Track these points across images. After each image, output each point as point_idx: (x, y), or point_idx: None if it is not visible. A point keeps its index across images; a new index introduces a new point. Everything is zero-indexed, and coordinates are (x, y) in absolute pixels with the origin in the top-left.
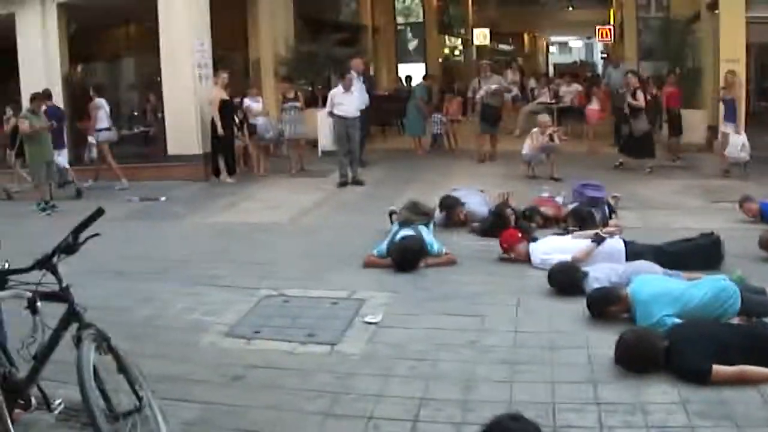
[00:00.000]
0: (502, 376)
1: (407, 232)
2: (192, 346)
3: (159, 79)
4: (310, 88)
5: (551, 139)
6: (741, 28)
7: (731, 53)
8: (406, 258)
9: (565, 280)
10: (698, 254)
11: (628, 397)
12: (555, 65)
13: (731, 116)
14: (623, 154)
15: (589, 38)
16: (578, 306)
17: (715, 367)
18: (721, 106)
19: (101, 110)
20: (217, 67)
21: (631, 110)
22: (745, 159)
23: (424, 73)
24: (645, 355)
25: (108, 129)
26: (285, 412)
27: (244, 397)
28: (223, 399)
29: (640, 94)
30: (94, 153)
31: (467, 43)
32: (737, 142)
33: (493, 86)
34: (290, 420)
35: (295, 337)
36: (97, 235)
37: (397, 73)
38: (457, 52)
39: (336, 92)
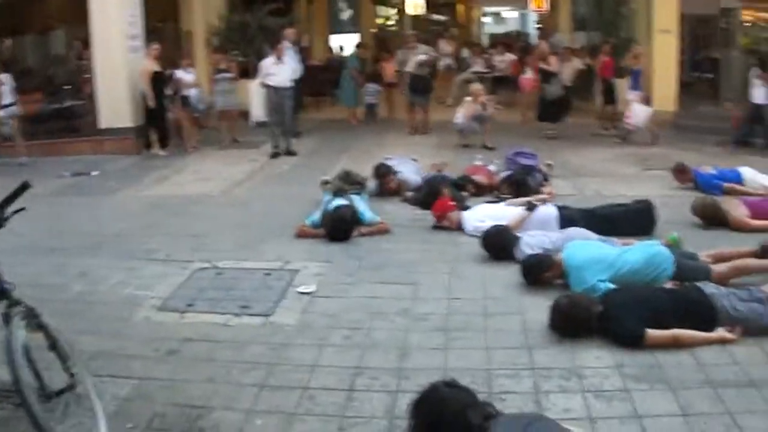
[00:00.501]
0: (436, 344)
1: (340, 201)
2: (126, 321)
3: (89, 51)
4: (242, 59)
5: (484, 107)
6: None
7: (665, 24)
8: (339, 227)
9: (498, 242)
10: (631, 219)
11: (562, 362)
12: (489, 35)
13: (636, 85)
14: (541, 121)
15: (523, 9)
16: (512, 272)
17: (649, 332)
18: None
19: (4, 86)
20: (148, 39)
21: (544, 75)
22: (643, 127)
23: (357, 42)
24: (579, 320)
25: (13, 104)
26: (220, 385)
27: (179, 371)
28: (158, 374)
29: (552, 59)
30: (8, 129)
31: (401, 13)
32: (643, 112)
33: (421, 56)
34: (226, 392)
35: (228, 309)
36: (23, 209)
37: (329, 43)
38: (391, 22)
39: (268, 62)
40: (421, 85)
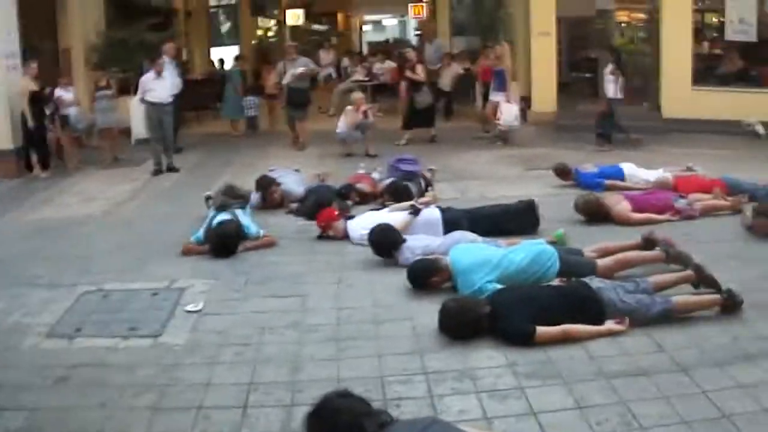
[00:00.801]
0: (328, 354)
1: (224, 216)
2: (13, 350)
3: None
4: (122, 75)
5: (365, 116)
6: (551, 2)
7: (542, 26)
8: (224, 243)
9: (384, 240)
10: (515, 219)
11: (455, 364)
12: (369, 43)
13: (501, 86)
14: (407, 129)
15: (402, 16)
16: (400, 279)
17: (539, 329)
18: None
19: None
20: (26, 57)
21: (413, 84)
22: (517, 127)
23: (236, 55)
24: (468, 322)
25: None
26: (113, 410)
27: (70, 398)
28: (49, 402)
29: (419, 68)
30: None
31: (281, 24)
32: (511, 111)
33: (299, 69)
34: (119, 418)
35: (117, 331)
36: None
37: (210, 56)
38: (271, 34)
39: (147, 78)
40: (299, 99)
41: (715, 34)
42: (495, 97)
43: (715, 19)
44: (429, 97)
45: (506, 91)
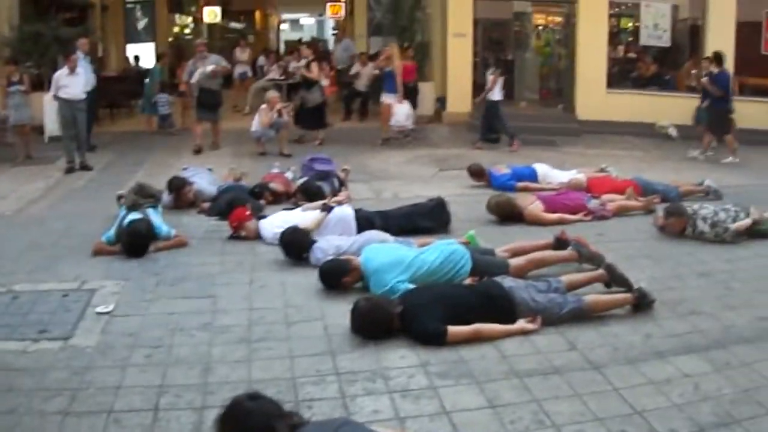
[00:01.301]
0: (240, 356)
1: (135, 216)
2: None
3: None
4: (36, 71)
5: (280, 114)
6: (469, 4)
7: (459, 28)
8: (135, 243)
9: (293, 242)
10: (425, 216)
11: (367, 364)
12: (286, 42)
13: (391, 87)
14: (297, 126)
15: (320, 15)
16: (311, 279)
17: (451, 328)
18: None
19: None
20: None
21: (305, 81)
22: (409, 127)
23: (160, 52)
24: (380, 322)
25: None
26: (22, 416)
27: None
28: None
29: (314, 66)
30: None
31: (198, 21)
32: (402, 112)
33: (209, 67)
34: (28, 423)
35: (26, 334)
36: None
37: (126, 53)
38: (187, 31)
39: (60, 74)
40: (210, 99)
41: (630, 39)
42: (387, 98)
43: (630, 24)
44: (320, 96)
45: (397, 92)
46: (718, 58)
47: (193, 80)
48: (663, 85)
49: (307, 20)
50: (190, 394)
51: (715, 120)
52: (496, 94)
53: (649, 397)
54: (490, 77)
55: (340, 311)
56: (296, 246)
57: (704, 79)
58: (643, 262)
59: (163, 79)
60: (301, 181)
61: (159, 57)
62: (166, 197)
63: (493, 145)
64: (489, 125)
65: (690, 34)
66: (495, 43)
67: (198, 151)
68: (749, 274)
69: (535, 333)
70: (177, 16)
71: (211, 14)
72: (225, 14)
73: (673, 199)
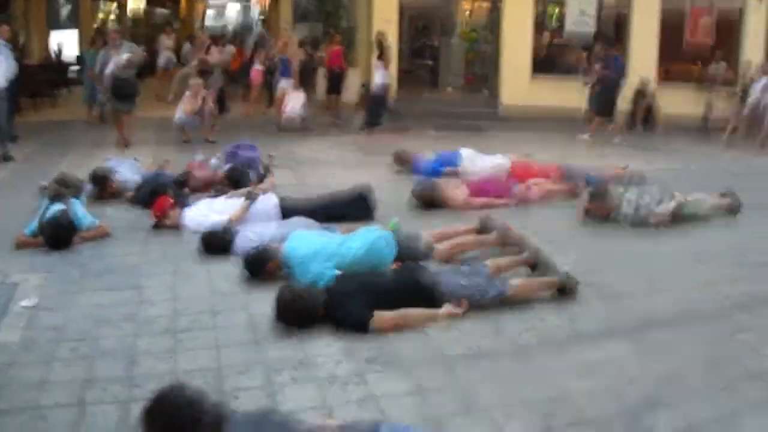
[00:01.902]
0: (165, 347)
1: (57, 207)
2: None
3: None
4: None
5: (204, 102)
6: None
7: (385, 14)
8: (58, 235)
9: (216, 242)
10: (351, 205)
11: (293, 353)
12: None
13: (286, 73)
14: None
15: (247, 1)
16: (236, 268)
17: (377, 315)
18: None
19: None
20: None
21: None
22: (303, 115)
23: (92, 37)
24: (304, 310)
25: None
26: None
27: None
28: None
29: (214, 51)
30: None
31: (123, 8)
32: (298, 99)
33: (124, 56)
34: None
35: None
36: None
37: (48, 40)
38: (112, 18)
39: None
40: (125, 90)
41: (555, 26)
42: (283, 85)
43: (556, 11)
44: (220, 82)
45: (293, 78)
46: (609, 41)
47: (107, 71)
48: (588, 72)
49: (233, 6)
50: (116, 387)
51: (604, 101)
52: (380, 79)
53: (576, 380)
54: (376, 61)
55: (265, 300)
56: (216, 249)
57: (597, 65)
58: (568, 246)
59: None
60: (226, 168)
61: (92, 41)
62: (89, 187)
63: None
64: (377, 110)
65: (615, 22)
66: (421, 30)
67: (125, 146)
68: (673, 258)
69: (461, 317)
70: (101, 2)
71: (136, 1)
72: (150, 1)
73: (597, 184)
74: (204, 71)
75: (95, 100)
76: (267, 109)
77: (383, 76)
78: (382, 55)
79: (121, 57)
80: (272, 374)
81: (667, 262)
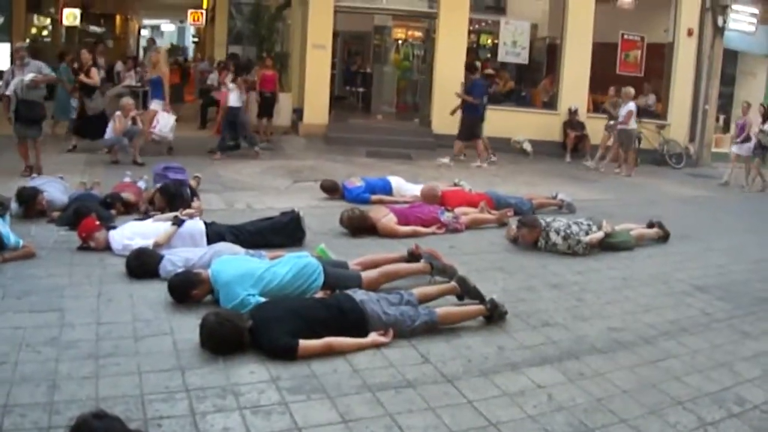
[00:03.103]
0: (87, 372)
1: None
2: None
3: None
4: None
5: (134, 122)
6: (329, 16)
7: (319, 39)
8: None
9: (141, 266)
10: (279, 232)
11: (217, 380)
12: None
13: (158, 94)
14: (76, 136)
15: (181, 22)
16: (161, 292)
17: (302, 342)
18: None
19: None
20: None
21: (84, 88)
22: (170, 138)
23: (61, 51)
24: (229, 337)
25: None
26: None
27: None
28: None
29: (93, 72)
30: None
31: (57, 23)
32: (168, 121)
33: (29, 76)
34: None
35: None
36: None
37: None
38: (45, 33)
39: None
40: (30, 113)
41: (488, 55)
42: (154, 106)
43: (489, 41)
44: (100, 104)
45: (164, 99)
46: (471, 67)
47: (8, 91)
48: (520, 101)
49: (167, 27)
50: (36, 413)
51: (465, 126)
52: (234, 101)
53: (504, 409)
54: (230, 84)
55: (189, 325)
56: (143, 272)
57: (458, 90)
58: (496, 274)
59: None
60: (159, 185)
61: (62, 56)
62: (15, 206)
63: (232, 153)
64: (229, 133)
65: (548, 52)
66: (354, 56)
67: (29, 173)
68: (601, 286)
69: (388, 346)
70: (35, 16)
71: (71, 16)
72: (85, 17)
73: (527, 212)
74: (135, 92)
75: (67, 114)
76: (198, 130)
77: (237, 99)
78: (237, 78)
79: (24, 77)
80: (195, 402)
81: (595, 291)
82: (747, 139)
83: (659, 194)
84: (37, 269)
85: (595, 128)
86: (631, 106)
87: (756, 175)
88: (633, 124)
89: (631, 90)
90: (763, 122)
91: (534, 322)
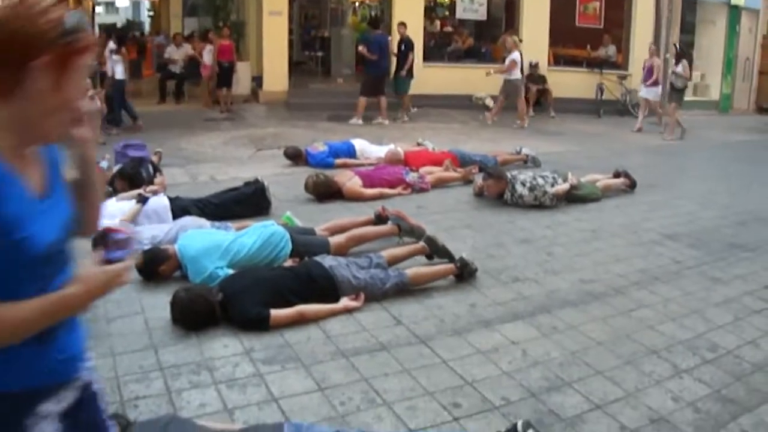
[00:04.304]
0: None
1: None
2: None
3: None
4: None
5: (92, 101)
6: None
7: (274, 6)
8: None
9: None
10: (244, 202)
11: (191, 356)
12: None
13: None
14: None
15: None
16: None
17: (273, 312)
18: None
19: None
20: None
21: None
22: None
23: None
24: (200, 311)
25: None
26: None
27: None
28: None
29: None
30: None
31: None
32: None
33: None
34: None
35: None
36: None
37: None
38: None
39: None
40: None
41: (446, 13)
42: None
43: None
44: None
45: None
46: (374, 22)
47: None
48: (480, 58)
49: (122, 2)
50: None
51: (368, 82)
52: (120, 73)
53: (479, 367)
54: (114, 56)
55: (160, 303)
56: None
57: (360, 47)
58: (464, 232)
59: None
60: (116, 168)
61: None
62: None
63: (115, 127)
64: (114, 107)
65: (506, 7)
66: (311, 20)
67: None
68: (569, 239)
69: (360, 310)
70: None
71: None
72: None
73: (493, 165)
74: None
75: None
76: (157, 105)
77: (123, 71)
78: (121, 49)
79: None
80: (170, 379)
81: (564, 244)
82: (655, 82)
83: (624, 144)
84: None
85: (557, 81)
86: (515, 56)
87: (675, 122)
88: (516, 74)
89: (513, 39)
90: (676, 63)
91: (505, 279)
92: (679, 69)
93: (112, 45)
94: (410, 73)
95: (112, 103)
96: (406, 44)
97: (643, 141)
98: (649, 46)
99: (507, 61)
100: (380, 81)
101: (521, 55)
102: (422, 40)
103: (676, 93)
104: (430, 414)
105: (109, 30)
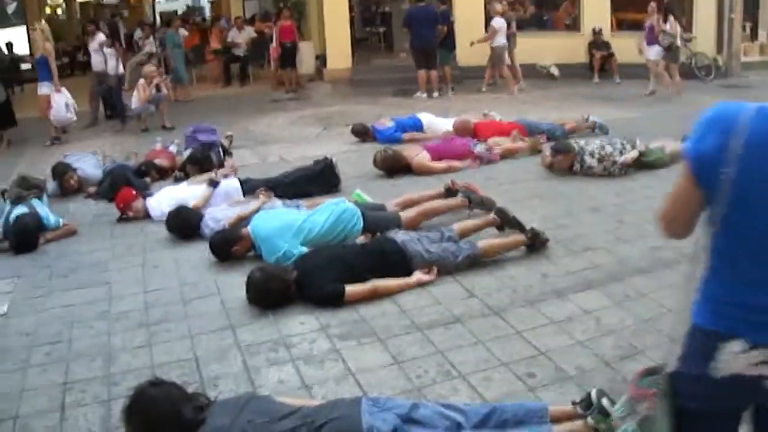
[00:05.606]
0: (140, 341)
1: (20, 209)
2: None
3: None
4: None
5: (158, 89)
6: None
7: None
8: (24, 238)
9: (181, 223)
10: (314, 180)
11: (268, 334)
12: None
13: (45, 75)
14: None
15: None
16: (204, 253)
17: (348, 288)
18: None
19: None
20: None
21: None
22: (71, 120)
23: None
24: (275, 290)
25: None
26: None
27: None
28: None
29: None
30: None
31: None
32: (61, 103)
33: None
34: None
35: None
36: None
37: None
38: (60, 12)
39: None
40: None
41: None
42: (42, 89)
43: None
44: (3, 94)
45: (52, 79)
46: None
47: None
48: (542, 26)
49: None
50: (95, 387)
51: (414, 56)
52: (113, 69)
53: (552, 337)
54: (107, 49)
55: (235, 283)
56: (184, 228)
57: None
58: (534, 202)
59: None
60: (187, 153)
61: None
62: (51, 185)
63: (120, 123)
64: (115, 103)
65: None
66: None
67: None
68: (639, 206)
69: (433, 284)
70: None
71: None
72: None
73: (559, 137)
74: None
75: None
76: (222, 88)
77: (116, 65)
78: (115, 43)
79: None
80: (249, 358)
81: (634, 211)
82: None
83: (691, 108)
84: (80, 245)
85: (621, 47)
86: (494, 21)
87: (677, 79)
88: (499, 41)
89: (497, 6)
90: (664, 22)
91: (576, 248)
92: (667, 27)
93: (101, 38)
94: (447, 46)
95: (108, 99)
96: (443, 16)
97: (709, 104)
98: (649, 5)
99: (489, 29)
100: (426, 53)
101: (507, 21)
102: (483, 10)
103: (668, 52)
104: (505, 384)
105: (92, 20)
